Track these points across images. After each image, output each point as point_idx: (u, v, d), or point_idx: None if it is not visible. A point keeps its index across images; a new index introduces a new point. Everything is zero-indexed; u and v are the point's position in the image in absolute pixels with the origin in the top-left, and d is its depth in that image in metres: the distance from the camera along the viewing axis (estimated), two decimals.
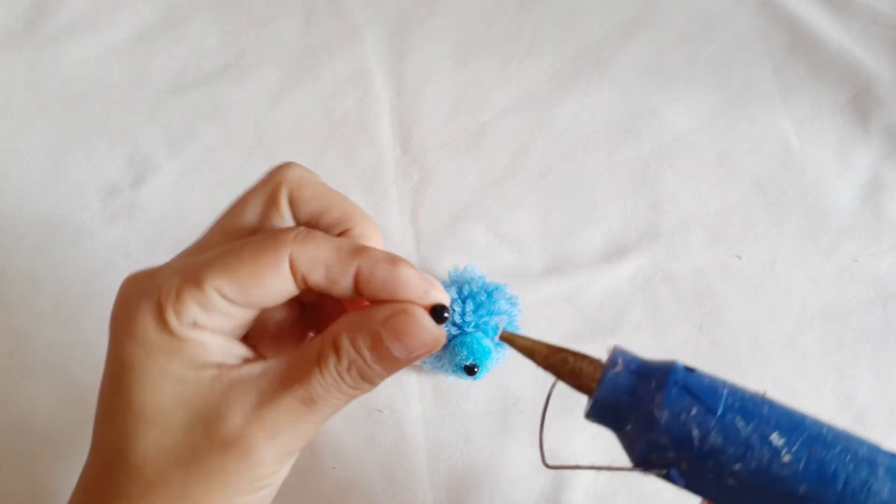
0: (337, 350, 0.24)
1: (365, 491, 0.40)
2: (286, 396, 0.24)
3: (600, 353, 0.44)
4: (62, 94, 0.47)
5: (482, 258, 0.44)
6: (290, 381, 0.24)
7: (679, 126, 0.47)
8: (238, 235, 0.26)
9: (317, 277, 0.24)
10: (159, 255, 0.44)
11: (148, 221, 0.44)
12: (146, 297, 0.23)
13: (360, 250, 0.24)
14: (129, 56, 0.48)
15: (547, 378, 0.43)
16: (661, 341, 0.42)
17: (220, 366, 0.24)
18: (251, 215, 0.26)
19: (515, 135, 0.47)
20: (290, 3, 0.49)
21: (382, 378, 0.25)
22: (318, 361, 0.24)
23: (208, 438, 0.23)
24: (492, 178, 0.46)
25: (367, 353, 0.24)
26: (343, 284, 0.24)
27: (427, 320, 0.24)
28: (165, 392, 0.23)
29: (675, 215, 0.45)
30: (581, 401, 0.42)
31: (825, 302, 0.43)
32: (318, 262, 0.23)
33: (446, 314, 0.25)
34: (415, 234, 0.45)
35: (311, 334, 0.29)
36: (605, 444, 0.41)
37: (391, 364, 0.24)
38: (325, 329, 0.26)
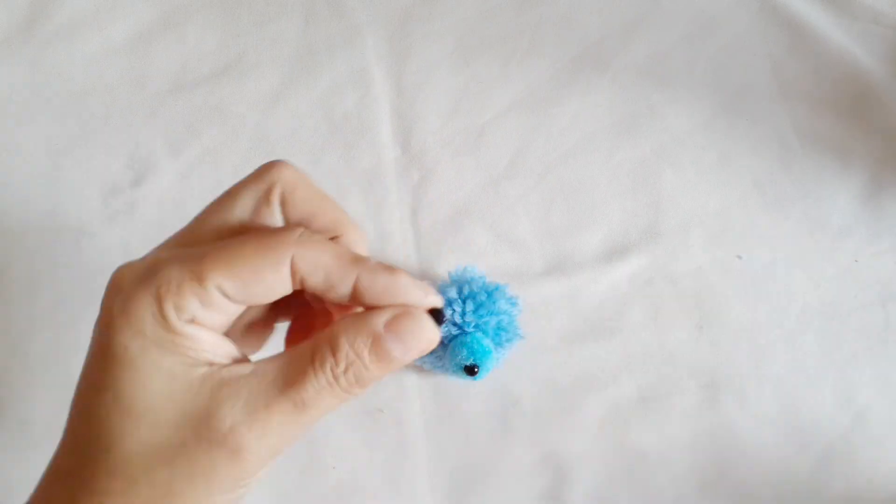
0: (335, 352, 0.24)
1: (365, 491, 0.40)
2: (279, 398, 0.24)
3: (601, 353, 0.45)
4: (62, 94, 0.47)
5: (482, 258, 0.44)
6: (282, 383, 0.24)
7: (679, 126, 0.47)
8: (227, 229, 0.26)
9: (315, 281, 0.24)
10: None
11: (148, 221, 0.44)
12: (145, 289, 0.23)
13: (358, 259, 0.24)
14: (129, 56, 0.48)
15: (547, 378, 0.43)
16: (661, 341, 0.42)
17: (211, 364, 0.24)
18: (241, 210, 0.26)
19: (515, 135, 0.47)
20: (290, 3, 0.49)
21: (375, 381, 0.25)
22: (313, 364, 0.24)
23: (197, 436, 0.23)
24: (492, 178, 0.46)
25: (366, 355, 0.24)
26: (341, 291, 0.24)
27: (427, 320, 0.25)
28: (156, 388, 0.23)
29: (675, 215, 0.45)
30: (582, 401, 0.42)
31: (825, 302, 0.43)
32: (319, 266, 0.24)
33: (444, 317, 0.27)
34: (415, 234, 0.45)
35: (276, 325, 0.30)
36: (607, 443, 0.41)
37: (387, 365, 0.25)
38: (294, 322, 0.27)
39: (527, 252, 0.44)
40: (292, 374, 0.24)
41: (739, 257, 0.44)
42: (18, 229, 0.44)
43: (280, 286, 0.24)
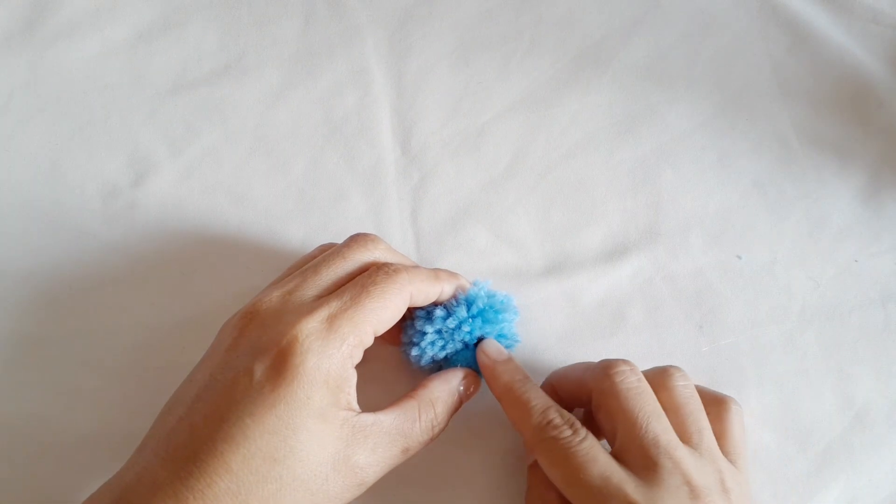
0: (437, 412, 0.35)
1: (364, 491, 0.40)
2: (394, 446, 0.33)
3: (601, 353, 0.45)
4: (62, 94, 0.47)
5: (482, 258, 0.44)
6: (396, 433, 0.33)
7: (679, 126, 0.47)
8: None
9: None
10: (159, 255, 0.44)
11: (148, 221, 0.44)
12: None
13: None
14: (129, 56, 0.48)
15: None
16: (661, 341, 0.42)
17: (349, 408, 0.32)
18: None
19: (515, 135, 0.47)
20: (290, 3, 0.49)
21: None
22: (420, 420, 0.34)
23: (335, 471, 0.30)
24: (492, 178, 0.46)
25: (452, 409, 0.36)
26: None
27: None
28: (313, 428, 0.30)
29: (675, 215, 0.45)
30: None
31: (825, 302, 0.43)
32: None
33: (455, 337, 0.38)
34: (415, 234, 0.45)
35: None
36: None
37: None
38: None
39: (527, 252, 0.44)
40: (405, 427, 0.33)
41: (739, 257, 0.44)
42: (18, 229, 0.44)
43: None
